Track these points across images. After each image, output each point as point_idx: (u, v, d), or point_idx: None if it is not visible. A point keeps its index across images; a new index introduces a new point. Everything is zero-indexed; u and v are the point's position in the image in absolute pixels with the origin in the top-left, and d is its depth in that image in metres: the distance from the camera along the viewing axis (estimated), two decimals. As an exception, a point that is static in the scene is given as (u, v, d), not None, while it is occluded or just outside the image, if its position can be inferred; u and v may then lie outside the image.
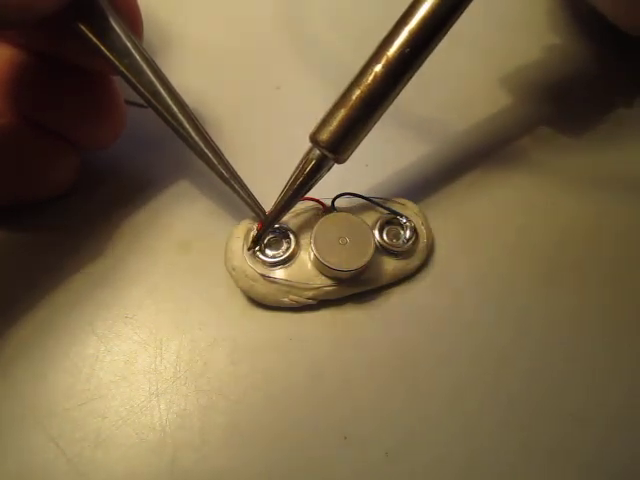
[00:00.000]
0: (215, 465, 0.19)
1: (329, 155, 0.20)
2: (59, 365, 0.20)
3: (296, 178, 0.20)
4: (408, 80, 0.19)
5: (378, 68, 0.18)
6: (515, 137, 0.27)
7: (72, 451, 0.19)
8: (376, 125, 0.20)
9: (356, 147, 0.20)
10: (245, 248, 0.22)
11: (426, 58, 0.19)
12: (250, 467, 0.19)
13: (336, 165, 0.20)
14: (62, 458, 0.18)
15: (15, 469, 0.18)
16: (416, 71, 0.19)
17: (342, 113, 0.19)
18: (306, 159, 0.20)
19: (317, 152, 0.20)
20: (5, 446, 0.19)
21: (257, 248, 0.21)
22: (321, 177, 0.20)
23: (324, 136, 0.19)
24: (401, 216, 0.23)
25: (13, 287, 0.22)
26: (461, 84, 0.29)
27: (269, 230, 0.21)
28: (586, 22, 0.32)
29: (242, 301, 0.22)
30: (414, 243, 0.22)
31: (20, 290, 0.22)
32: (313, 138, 0.19)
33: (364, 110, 0.19)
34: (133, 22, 0.20)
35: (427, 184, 0.26)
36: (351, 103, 0.19)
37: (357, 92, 0.19)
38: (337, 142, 0.19)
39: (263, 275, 0.21)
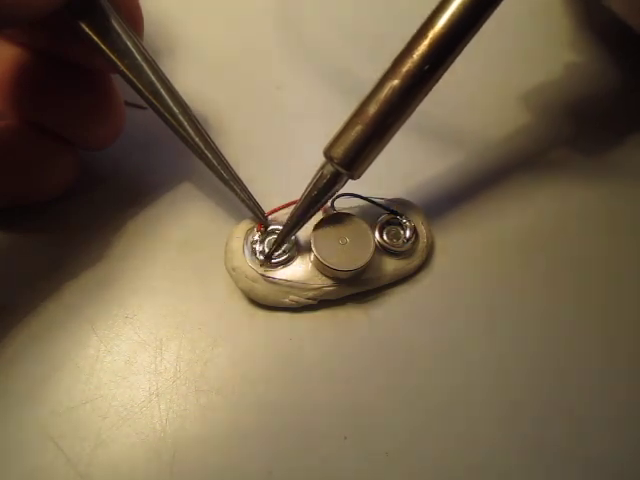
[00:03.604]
0: (215, 465, 0.19)
1: (343, 172, 0.19)
2: (59, 365, 0.20)
3: (309, 193, 0.20)
4: (426, 95, 0.18)
5: (396, 83, 0.18)
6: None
7: (72, 451, 0.19)
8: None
9: (371, 163, 0.19)
10: (246, 248, 0.22)
11: (445, 72, 0.18)
12: (250, 467, 0.19)
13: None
14: (62, 458, 0.18)
15: (15, 469, 0.18)
16: (434, 85, 0.18)
17: (358, 129, 0.18)
18: (320, 174, 0.20)
19: (331, 168, 0.19)
20: (5, 446, 0.19)
21: (268, 260, 0.21)
22: (336, 192, 0.20)
23: (339, 153, 0.19)
24: (401, 216, 0.23)
25: (13, 288, 0.22)
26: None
27: (281, 246, 0.21)
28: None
29: (242, 301, 0.22)
30: (414, 243, 0.22)
31: (21, 291, 0.22)
32: (327, 154, 0.19)
33: (381, 126, 0.18)
34: (134, 21, 0.20)
35: (427, 184, 0.26)
36: (367, 119, 0.18)
37: (374, 107, 0.18)
38: (352, 158, 0.19)
39: (263, 275, 0.21)
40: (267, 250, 0.22)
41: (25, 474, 0.18)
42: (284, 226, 0.21)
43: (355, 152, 0.19)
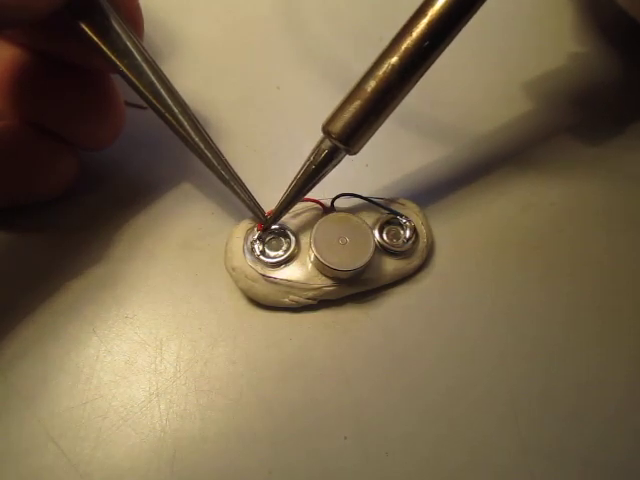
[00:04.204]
0: (215, 465, 0.19)
1: (341, 147, 0.19)
2: (60, 365, 0.20)
3: (307, 168, 0.20)
4: (424, 72, 0.19)
5: (394, 60, 0.18)
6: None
7: (72, 451, 0.19)
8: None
9: (368, 139, 0.20)
10: (246, 248, 0.22)
11: (443, 50, 0.18)
12: (250, 467, 0.19)
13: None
14: (62, 458, 0.18)
15: (15, 469, 0.18)
16: (433, 63, 0.19)
17: (356, 104, 0.18)
18: (318, 149, 0.20)
19: (329, 143, 0.20)
20: (6, 446, 0.19)
21: (260, 240, 0.22)
22: (333, 167, 0.20)
23: (337, 127, 0.19)
24: (401, 216, 0.23)
25: (14, 288, 0.22)
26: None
27: (277, 220, 0.21)
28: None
29: (242, 301, 0.22)
30: (414, 243, 0.22)
31: (21, 291, 0.22)
32: (325, 129, 0.19)
33: (379, 102, 0.19)
34: (134, 21, 0.20)
35: (427, 184, 0.26)
36: (366, 95, 0.18)
37: (372, 84, 0.18)
38: (350, 134, 0.19)
39: (263, 275, 0.21)
40: (267, 250, 0.22)
41: (25, 474, 0.18)
42: (281, 201, 0.21)
43: (353, 128, 0.19)
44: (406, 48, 0.18)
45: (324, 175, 0.20)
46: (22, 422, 0.19)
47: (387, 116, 0.19)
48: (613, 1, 0.27)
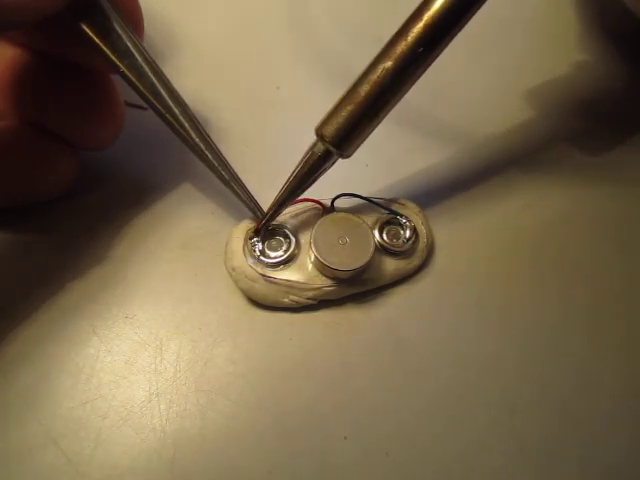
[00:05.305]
0: (215, 465, 0.19)
1: (334, 150, 0.19)
2: (60, 365, 0.20)
3: (300, 170, 0.20)
4: (418, 77, 0.19)
5: (389, 64, 0.18)
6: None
7: (72, 451, 0.19)
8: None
9: (361, 143, 0.20)
10: (246, 248, 0.22)
11: (438, 55, 0.18)
12: (250, 467, 0.19)
13: (336, 165, 0.20)
14: (62, 458, 0.18)
15: (15, 469, 0.18)
16: (427, 68, 0.18)
17: (349, 108, 0.18)
18: (310, 152, 0.20)
19: (322, 146, 0.20)
20: (6, 446, 0.19)
21: (257, 239, 0.22)
22: (325, 170, 0.20)
23: (330, 131, 0.19)
24: (401, 216, 0.23)
25: (14, 288, 0.22)
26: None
27: (269, 222, 0.21)
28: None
29: (242, 301, 0.22)
30: (414, 243, 0.22)
31: (21, 291, 0.22)
32: (318, 132, 0.19)
33: (372, 106, 0.18)
34: (134, 22, 0.20)
35: (427, 185, 0.26)
36: (359, 99, 0.18)
37: (366, 88, 0.18)
38: (343, 137, 0.19)
39: (263, 275, 0.21)
40: (267, 250, 0.22)
41: (25, 474, 0.18)
42: (272, 203, 0.21)
43: (345, 131, 0.19)
44: (401, 52, 0.18)
45: (317, 178, 0.20)
46: (22, 422, 0.19)
47: (380, 120, 0.19)
48: (618, 2, 0.27)
